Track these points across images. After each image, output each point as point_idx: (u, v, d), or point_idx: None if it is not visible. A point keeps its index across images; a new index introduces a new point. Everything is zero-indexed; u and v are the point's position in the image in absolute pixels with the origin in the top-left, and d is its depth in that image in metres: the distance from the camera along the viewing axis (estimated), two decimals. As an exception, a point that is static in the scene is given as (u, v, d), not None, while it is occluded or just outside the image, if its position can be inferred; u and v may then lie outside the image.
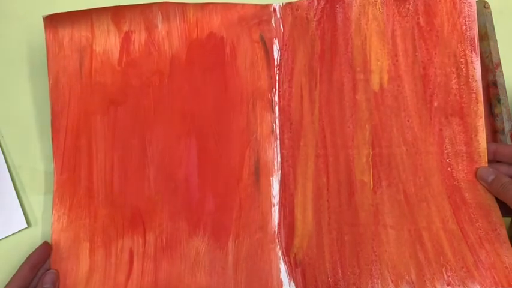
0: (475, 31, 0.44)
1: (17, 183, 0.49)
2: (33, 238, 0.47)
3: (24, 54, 0.51)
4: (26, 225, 0.47)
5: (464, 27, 0.44)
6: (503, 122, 0.45)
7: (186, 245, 0.44)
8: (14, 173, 0.49)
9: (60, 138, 0.46)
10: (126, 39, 0.47)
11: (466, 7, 0.44)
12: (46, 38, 0.46)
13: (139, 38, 0.47)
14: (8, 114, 0.50)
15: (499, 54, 0.46)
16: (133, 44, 0.47)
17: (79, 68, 0.47)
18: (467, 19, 0.44)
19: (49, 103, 0.46)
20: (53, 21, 0.46)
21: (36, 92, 0.50)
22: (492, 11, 0.47)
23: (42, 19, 0.46)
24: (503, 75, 0.46)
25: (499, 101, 0.46)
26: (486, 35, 0.47)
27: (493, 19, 0.47)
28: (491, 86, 0.46)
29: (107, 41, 0.47)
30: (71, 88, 0.46)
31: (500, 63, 0.46)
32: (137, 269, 0.44)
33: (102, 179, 0.45)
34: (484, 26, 0.47)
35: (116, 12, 0.46)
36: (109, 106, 0.46)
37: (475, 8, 0.44)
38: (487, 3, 0.47)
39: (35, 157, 0.49)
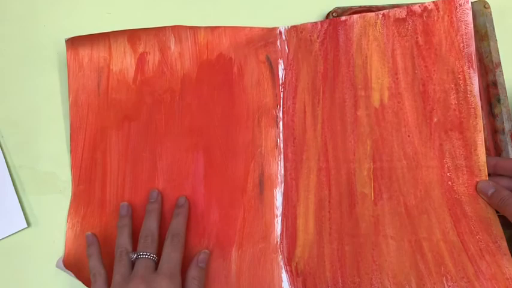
0: (472, 48, 0.45)
1: (17, 183, 0.49)
2: (33, 238, 0.48)
3: (24, 54, 0.53)
4: (26, 225, 0.48)
5: (461, 44, 0.45)
6: (503, 122, 0.46)
7: (192, 254, 0.45)
8: (14, 173, 0.49)
9: (78, 151, 0.49)
10: (141, 60, 0.50)
11: (463, 25, 0.46)
12: (67, 59, 0.50)
13: (153, 58, 0.50)
14: (8, 114, 0.51)
15: (499, 54, 0.47)
16: (148, 64, 0.50)
17: (97, 86, 0.50)
18: (464, 37, 0.46)
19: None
20: (74, 43, 0.50)
21: (36, 92, 0.52)
22: (492, 11, 0.48)
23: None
24: (503, 75, 0.47)
25: (499, 101, 0.47)
26: (486, 35, 0.48)
27: (493, 19, 0.48)
28: (491, 86, 0.47)
29: (123, 61, 0.50)
30: (89, 105, 0.50)
31: (500, 63, 0.47)
32: None
33: (115, 191, 0.47)
34: (484, 26, 0.48)
35: (131, 35, 0.50)
36: (123, 121, 0.49)
37: (472, 26, 0.45)
38: (487, 3, 0.48)
39: (35, 157, 0.50)
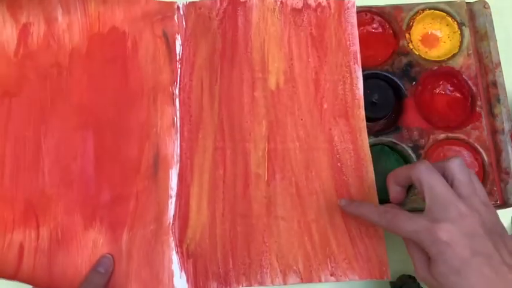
0: (357, 47, 0.48)
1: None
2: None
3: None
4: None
5: (348, 42, 0.48)
6: (503, 122, 0.46)
7: (83, 237, 0.43)
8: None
9: None
10: (23, 31, 0.46)
11: (349, 26, 0.48)
12: None
13: (37, 30, 0.47)
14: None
15: (499, 54, 0.47)
16: (32, 36, 0.46)
17: None
18: (350, 36, 0.48)
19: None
20: None
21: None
22: (492, 11, 0.48)
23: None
24: (503, 75, 0.47)
25: (499, 101, 0.46)
26: (486, 35, 0.48)
27: (493, 19, 0.48)
28: (491, 86, 0.47)
29: (3, 32, 0.46)
30: None
31: (500, 63, 0.47)
32: (27, 264, 0.42)
33: None
34: (484, 26, 0.48)
35: (12, 2, 0.45)
36: (3, 97, 0.45)
37: (356, 28, 0.48)
38: (487, 3, 0.48)
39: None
